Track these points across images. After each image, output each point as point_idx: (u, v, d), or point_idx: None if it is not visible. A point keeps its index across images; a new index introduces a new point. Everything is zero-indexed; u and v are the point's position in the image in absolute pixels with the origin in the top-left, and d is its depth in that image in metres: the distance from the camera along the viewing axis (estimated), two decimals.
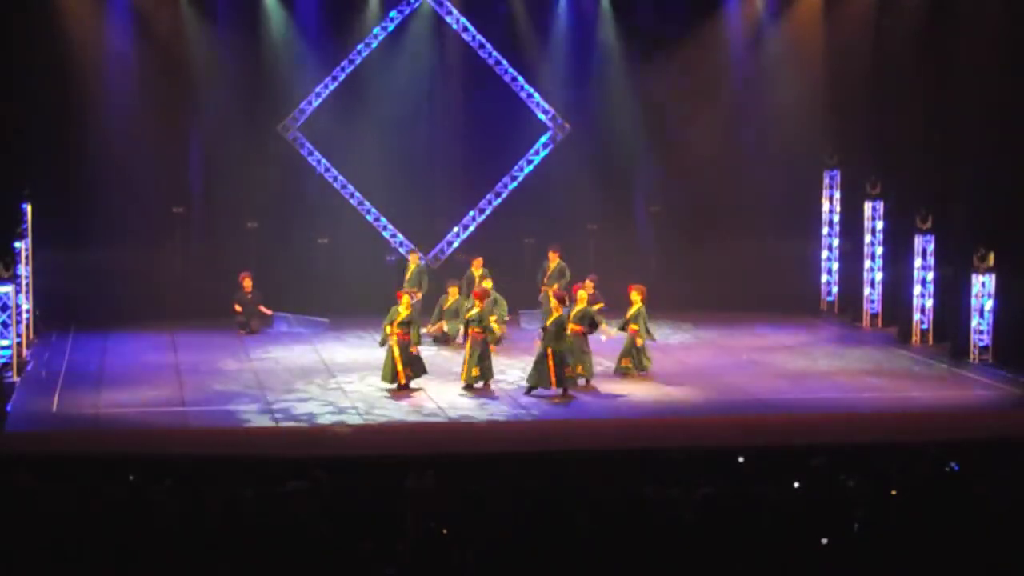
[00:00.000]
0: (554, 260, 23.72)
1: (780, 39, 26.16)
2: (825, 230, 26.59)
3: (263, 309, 23.95)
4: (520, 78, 26.21)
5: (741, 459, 14.24)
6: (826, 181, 26.57)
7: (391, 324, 19.50)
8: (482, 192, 26.49)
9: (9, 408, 17.91)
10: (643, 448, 16.12)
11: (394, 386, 19.32)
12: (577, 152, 26.45)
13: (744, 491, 10.44)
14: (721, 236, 26.18)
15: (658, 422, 18.01)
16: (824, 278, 26.67)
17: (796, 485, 11.51)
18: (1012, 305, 21.21)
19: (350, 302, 24.24)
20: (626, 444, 16.49)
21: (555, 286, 22.68)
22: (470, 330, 19.59)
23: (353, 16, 25.79)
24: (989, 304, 21.53)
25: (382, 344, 19.78)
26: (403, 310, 19.65)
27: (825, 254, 26.65)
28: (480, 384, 19.42)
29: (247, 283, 23.95)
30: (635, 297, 20.47)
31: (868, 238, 25.20)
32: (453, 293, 22.76)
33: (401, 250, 26.15)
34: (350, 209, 26.12)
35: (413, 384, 19.45)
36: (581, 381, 19.64)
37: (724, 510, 9.96)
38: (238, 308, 23.75)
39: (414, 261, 23.94)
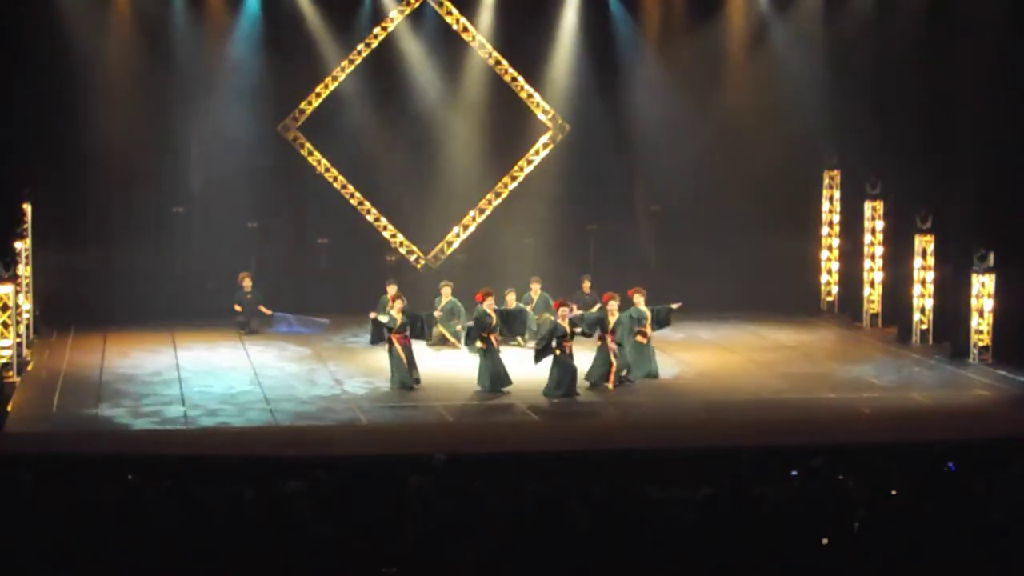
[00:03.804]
0: (536, 291, 23.47)
1: (780, 39, 26.15)
2: (825, 230, 26.61)
3: (263, 309, 23.93)
4: (520, 78, 26.22)
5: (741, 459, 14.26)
6: (826, 181, 26.59)
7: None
8: (482, 192, 26.49)
9: (9, 408, 17.91)
10: (643, 448, 16.14)
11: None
12: (577, 152, 26.45)
13: (744, 491, 10.43)
14: (721, 236, 26.19)
15: (658, 422, 18.01)
16: (824, 278, 26.68)
17: (795, 483, 11.52)
18: (1012, 305, 21.21)
19: (350, 302, 24.23)
20: (626, 444, 16.50)
21: (545, 315, 22.57)
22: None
23: (353, 16, 25.79)
24: (989, 304, 21.53)
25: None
26: (397, 315, 19.71)
27: (825, 254, 26.66)
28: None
29: (247, 283, 23.95)
30: (638, 299, 20.46)
31: (868, 238, 25.20)
32: (447, 294, 22.72)
33: (401, 250, 26.14)
34: (350, 209, 26.11)
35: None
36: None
37: (724, 510, 9.96)
38: (238, 308, 23.75)
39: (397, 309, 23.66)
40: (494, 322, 19.67)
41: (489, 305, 19.81)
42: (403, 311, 19.76)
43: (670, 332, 23.57)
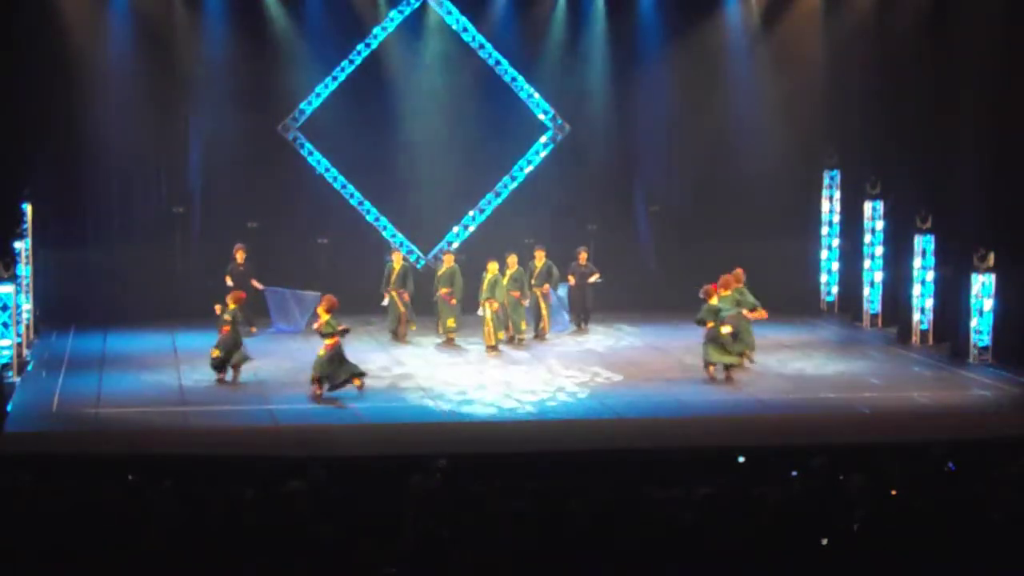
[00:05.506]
0: (540, 259, 23.68)
1: (780, 39, 26.14)
2: (825, 230, 26.60)
3: (255, 283, 23.77)
4: (520, 78, 26.21)
5: (741, 459, 14.26)
6: (826, 181, 26.58)
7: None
8: (482, 192, 26.48)
9: (9, 408, 17.90)
10: (643, 448, 16.13)
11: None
12: (577, 152, 26.44)
13: (744, 491, 10.44)
14: (721, 236, 26.14)
15: (658, 422, 18.01)
16: (824, 278, 26.67)
17: (795, 483, 11.52)
18: (1012, 305, 21.21)
19: (350, 302, 24.16)
20: (626, 444, 16.49)
21: (545, 286, 23.14)
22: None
23: (353, 16, 25.77)
24: (989, 304, 21.52)
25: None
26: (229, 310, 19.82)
27: (825, 254, 26.65)
28: None
29: (240, 255, 23.82)
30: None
31: (868, 238, 25.19)
32: (492, 268, 22.71)
33: (401, 251, 26.12)
34: (350, 209, 26.11)
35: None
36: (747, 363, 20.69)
37: (724, 510, 9.96)
38: (229, 281, 23.54)
39: (398, 261, 23.81)
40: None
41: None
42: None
43: (670, 333, 23.67)
